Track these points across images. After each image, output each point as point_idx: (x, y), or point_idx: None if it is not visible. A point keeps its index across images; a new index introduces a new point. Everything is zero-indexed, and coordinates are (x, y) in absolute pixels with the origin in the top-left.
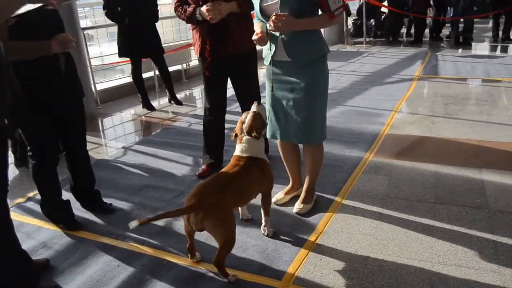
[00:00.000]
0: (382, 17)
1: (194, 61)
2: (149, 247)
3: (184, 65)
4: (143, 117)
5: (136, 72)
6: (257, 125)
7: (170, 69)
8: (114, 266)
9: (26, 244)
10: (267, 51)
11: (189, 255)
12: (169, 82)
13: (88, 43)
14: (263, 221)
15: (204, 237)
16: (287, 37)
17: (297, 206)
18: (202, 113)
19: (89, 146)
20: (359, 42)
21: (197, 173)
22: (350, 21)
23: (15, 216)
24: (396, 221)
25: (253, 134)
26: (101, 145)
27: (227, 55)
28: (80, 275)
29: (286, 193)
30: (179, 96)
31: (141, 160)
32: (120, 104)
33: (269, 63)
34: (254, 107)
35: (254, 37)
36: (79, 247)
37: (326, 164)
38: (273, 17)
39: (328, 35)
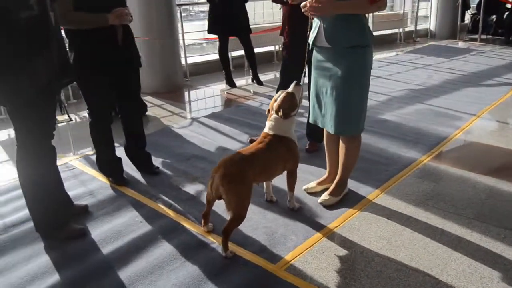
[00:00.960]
0: (505, 14)
1: None
2: (173, 211)
3: (276, 47)
4: (225, 93)
5: (222, 49)
6: (285, 106)
7: (263, 50)
8: (137, 222)
9: (77, 190)
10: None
11: (202, 222)
12: (253, 62)
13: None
14: (288, 196)
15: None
16: (328, 22)
17: (323, 197)
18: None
19: (162, 113)
20: (474, 39)
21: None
22: (467, 15)
23: (80, 165)
24: (421, 229)
25: (279, 114)
26: (174, 114)
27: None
28: (107, 224)
29: (319, 183)
30: (266, 77)
31: (202, 132)
32: (208, 78)
33: (311, 48)
34: (291, 87)
35: None
36: (117, 200)
37: (376, 160)
38: (315, 2)
39: (440, 29)
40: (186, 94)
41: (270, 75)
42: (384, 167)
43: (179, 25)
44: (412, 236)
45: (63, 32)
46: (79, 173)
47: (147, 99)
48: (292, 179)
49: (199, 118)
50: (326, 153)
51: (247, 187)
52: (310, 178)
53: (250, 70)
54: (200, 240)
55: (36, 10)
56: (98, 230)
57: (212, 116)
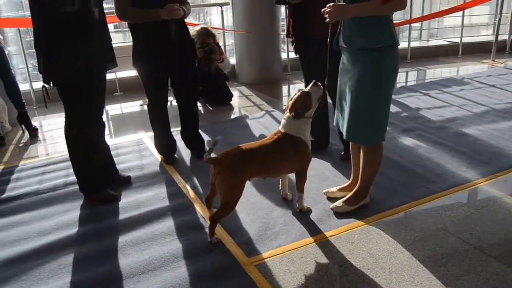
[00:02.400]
0: None
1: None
2: (194, 193)
3: None
4: None
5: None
6: (298, 106)
7: None
8: (160, 197)
9: (132, 162)
10: None
11: (206, 206)
12: None
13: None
14: (296, 196)
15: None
16: (346, 21)
17: (337, 203)
18: None
19: (245, 103)
20: None
21: None
22: None
23: (148, 142)
24: (421, 257)
25: (291, 113)
26: (255, 105)
27: (308, 38)
28: (136, 195)
29: (340, 189)
30: None
31: (268, 125)
32: None
33: (336, 48)
34: (308, 86)
35: None
36: (157, 176)
37: (422, 175)
38: (327, 8)
39: None
40: (280, 87)
41: None
42: (426, 184)
43: (283, 21)
44: (406, 262)
45: (110, 25)
46: (144, 148)
47: (241, 88)
48: (300, 180)
49: (273, 111)
50: (351, 159)
51: (238, 180)
52: (337, 182)
53: None
54: (199, 223)
55: (77, 6)
56: (126, 199)
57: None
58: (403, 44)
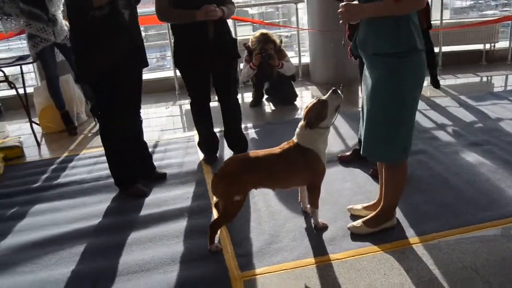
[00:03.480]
0: None
1: (501, 42)
2: None
3: (488, 45)
4: None
5: None
6: (312, 114)
7: (471, 47)
8: (185, 197)
9: (174, 159)
10: None
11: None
12: (431, 63)
13: None
14: (310, 212)
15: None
16: (362, 25)
17: (355, 223)
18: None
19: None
20: None
21: (338, 156)
22: None
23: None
24: None
25: (303, 122)
26: None
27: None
28: (165, 193)
29: (365, 208)
30: (459, 80)
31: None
32: None
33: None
34: (327, 94)
35: None
36: (191, 175)
37: (473, 199)
38: (340, 8)
39: None
40: (355, 89)
41: (464, 79)
42: (474, 210)
43: None
44: None
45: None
46: (192, 146)
47: (312, 88)
48: (312, 195)
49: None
50: (379, 176)
51: (239, 188)
52: (370, 199)
53: (428, 71)
54: (205, 225)
55: (107, 10)
56: (154, 195)
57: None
58: (503, 43)
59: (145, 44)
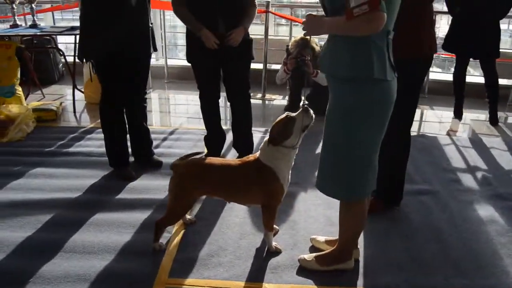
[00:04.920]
0: None
1: None
2: None
3: None
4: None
5: (457, 70)
6: (275, 130)
7: None
8: (166, 189)
9: (179, 149)
10: None
11: None
12: (492, 97)
13: None
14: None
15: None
16: (327, 41)
17: (307, 256)
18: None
19: None
20: None
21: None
22: None
23: None
24: None
25: (265, 138)
26: None
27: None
28: (151, 181)
29: (327, 242)
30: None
31: None
32: (439, 100)
33: None
34: (297, 112)
35: None
36: None
37: (455, 259)
38: (305, 18)
39: None
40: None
41: None
42: (452, 273)
43: None
44: None
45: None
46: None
47: None
48: (266, 216)
49: None
50: None
51: (185, 192)
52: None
53: (488, 105)
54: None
55: None
56: (139, 181)
57: None
58: None
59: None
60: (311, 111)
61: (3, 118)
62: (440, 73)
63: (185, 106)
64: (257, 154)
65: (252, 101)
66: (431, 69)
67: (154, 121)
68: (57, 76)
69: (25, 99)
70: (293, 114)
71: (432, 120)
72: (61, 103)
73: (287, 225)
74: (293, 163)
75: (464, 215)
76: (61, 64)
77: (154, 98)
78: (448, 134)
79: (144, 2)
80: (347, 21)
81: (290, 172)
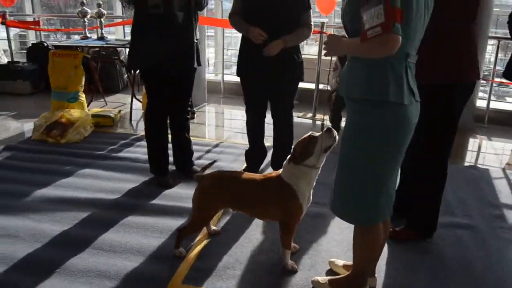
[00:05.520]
0: None
1: None
2: None
3: None
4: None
5: None
6: (298, 149)
7: None
8: None
9: (219, 162)
10: None
11: None
12: None
13: None
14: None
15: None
16: (347, 62)
17: (321, 278)
18: None
19: None
20: None
21: None
22: None
23: None
24: None
25: (289, 156)
26: None
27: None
28: (187, 190)
29: (345, 266)
30: None
31: None
32: (505, 131)
33: None
34: (321, 132)
35: None
36: None
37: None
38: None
39: None
40: (465, 138)
41: None
42: None
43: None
44: None
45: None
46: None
47: None
48: (283, 233)
49: None
50: None
51: (207, 203)
52: None
53: None
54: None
55: (161, 10)
56: (176, 189)
57: None
58: None
59: None
60: (335, 133)
61: (64, 121)
62: (501, 102)
63: (236, 121)
64: (280, 171)
65: (302, 120)
66: (492, 97)
67: (203, 133)
68: (121, 86)
69: (88, 105)
70: (316, 134)
71: (488, 152)
72: (119, 111)
73: (309, 245)
74: (314, 183)
75: (503, 255)
76: (126, 75)
77: (208, 111)
78: (503, 168)
79: (190, 19)
80: (361, 43)
81: (312, 191)
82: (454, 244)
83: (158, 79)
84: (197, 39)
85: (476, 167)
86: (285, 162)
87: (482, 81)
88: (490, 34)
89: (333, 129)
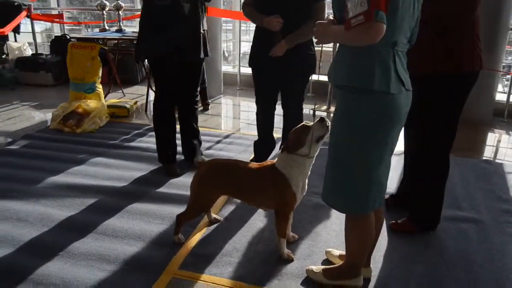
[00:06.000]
0: None
1: None
2: None
3: None
4: None
5: None
6: (291, 139)
7: None
8: None
9: (227, 152)
10: None
11: None
12: None
13: None
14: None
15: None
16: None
17: (315, 267)
18: None
19: None
20: None
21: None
22: None
23: None
24: None
25: (282, 145)
26: None
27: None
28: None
29: (340, 256)
30: None
31: None
32: None
33: None
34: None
35: None
36: None
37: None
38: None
39: None
40: (483, 134)
41: None
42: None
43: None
44: None
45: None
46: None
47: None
48: (278, 221)
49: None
50: None
51: (204, 190)
52: None
53: None
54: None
55: (168, 1)
56: (182, 178)
57: None
58: None
59: None
60: (327, 122)
61: (81, 111)
62: None
63: (250, 113)
64: (275, 160)
65: (317, 112)
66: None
67: (215, 124)
68: (140, 78)
69: (106, 96)
70: (310, 124)
71: (506, 147)
72: (135, 102)
73: (307, 235)
74: (309, 172)
75: (506, 250)
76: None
77: (224, 103)
78: None
79: (196, 10)
80: (345, 31)
81: (307, 181)
82: (457, 237)
83: (165, 69)
84: (203, 30)
85: (490, 161)
86: (279, 151)
87: (502, 74)
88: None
89: (325, 119)
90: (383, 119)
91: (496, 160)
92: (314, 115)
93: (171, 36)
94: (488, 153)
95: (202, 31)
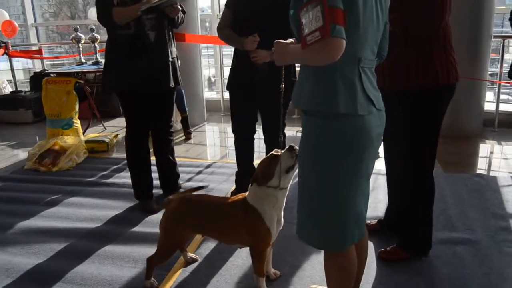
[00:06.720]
0: None
1: None
2: None
3: None
4: None
5: None
6: (259, 170)
7: None
8: None
9: (209, 183)
10: None
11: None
12: None
13: None
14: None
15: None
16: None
17: None
18: None
19: None
20: None
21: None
22: None
23: None
24: None
25: (252, 178)
26: None
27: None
28: None
29: None
30: None
31: None
32: None
33: None
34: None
35: None
36: None
37: None
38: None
39: None
40: (474, 145)
41: None
42: None
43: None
44: None
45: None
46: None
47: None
48: (254, 259)
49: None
50: None
51: (173, 228)
52: None
53: None
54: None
55: (133, 30)
56: (159, 214)
57: None
58: None
59: None
60: (296, 151)
61: (58, 148)
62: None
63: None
64: (246, 193)
65: None
66: (501, 99)
67: (198, 153)
68: (122, 110)
69: (85, 131)
70: (279, 153)
71: (499, 157)
72: (116, 135)
73: (291, 270)
74: (283, 204)
75: (506, 272)
76: None
77: (208, 130)
78: None
79: (163, 38)
80: (302, 50)
81: (282, 214)
82: (451, 262)
83: (134, 100)
84: (172, 58)
85: (482, 175)
86: (250, 184)
87: (488, 83)
88: (493, 34)
89: (295, 147)
90: (354, 143)
91: (490, 173)
92: (283, 144)
93: (138, 66)
94: (481, 165)
95: (171, 59)
